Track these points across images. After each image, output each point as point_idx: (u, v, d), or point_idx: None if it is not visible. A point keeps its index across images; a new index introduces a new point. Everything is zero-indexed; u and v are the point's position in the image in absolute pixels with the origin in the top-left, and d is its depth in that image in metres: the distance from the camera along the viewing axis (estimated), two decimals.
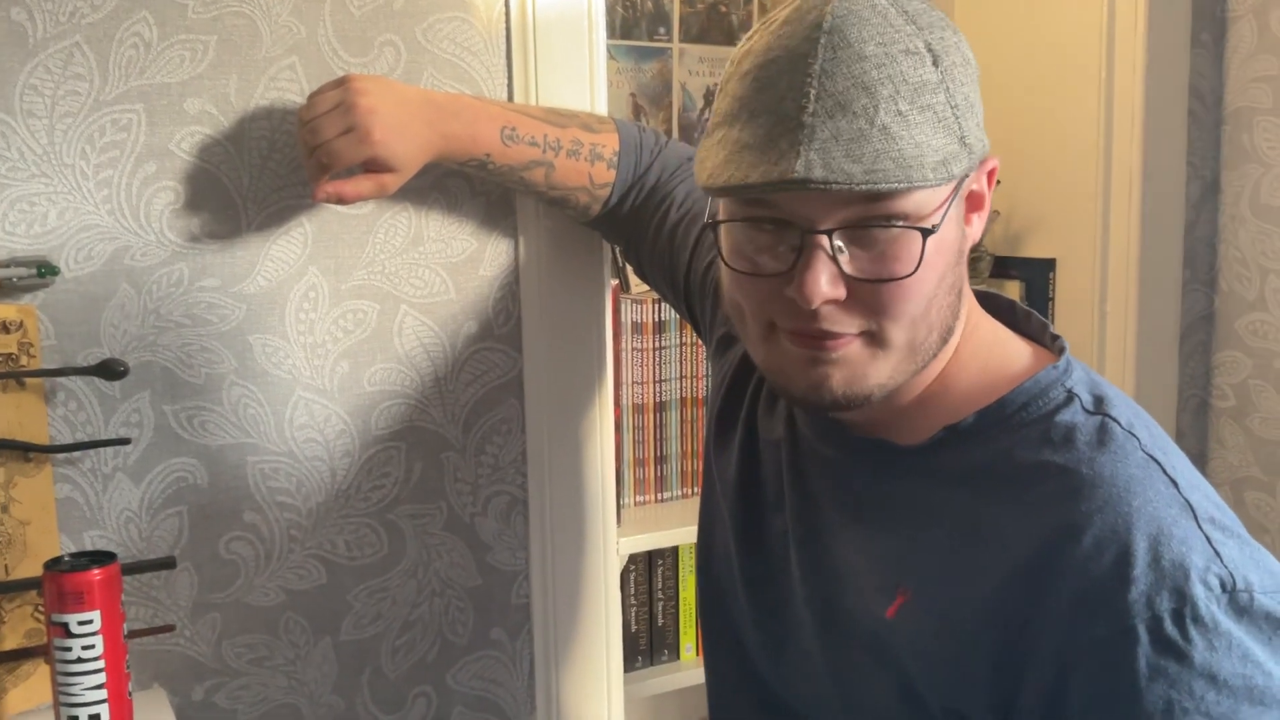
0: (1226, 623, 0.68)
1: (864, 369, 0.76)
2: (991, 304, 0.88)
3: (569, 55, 1.20)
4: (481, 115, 1.07)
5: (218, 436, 1.09)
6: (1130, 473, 0.73)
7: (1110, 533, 0.71)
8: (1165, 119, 2.01)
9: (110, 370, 1.01)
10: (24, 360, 0.99)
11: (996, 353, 0.83)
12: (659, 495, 1.74)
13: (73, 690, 0.89)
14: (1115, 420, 0.76)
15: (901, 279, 0.73)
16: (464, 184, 1.17)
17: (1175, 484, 0.73)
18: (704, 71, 2.15)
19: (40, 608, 1.01)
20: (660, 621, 1.75)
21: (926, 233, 0.72)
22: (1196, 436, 1.90)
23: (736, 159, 0.73)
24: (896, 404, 0.82)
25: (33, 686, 1.01)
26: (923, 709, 0.80)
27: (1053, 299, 2.20)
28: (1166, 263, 2.04)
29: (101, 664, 0.89)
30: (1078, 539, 0.71)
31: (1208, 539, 0.70)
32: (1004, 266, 2.28)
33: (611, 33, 2.00)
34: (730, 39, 2.18)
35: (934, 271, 0.74)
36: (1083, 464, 0.74)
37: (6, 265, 0.97)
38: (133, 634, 0.96)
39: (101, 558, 0.90)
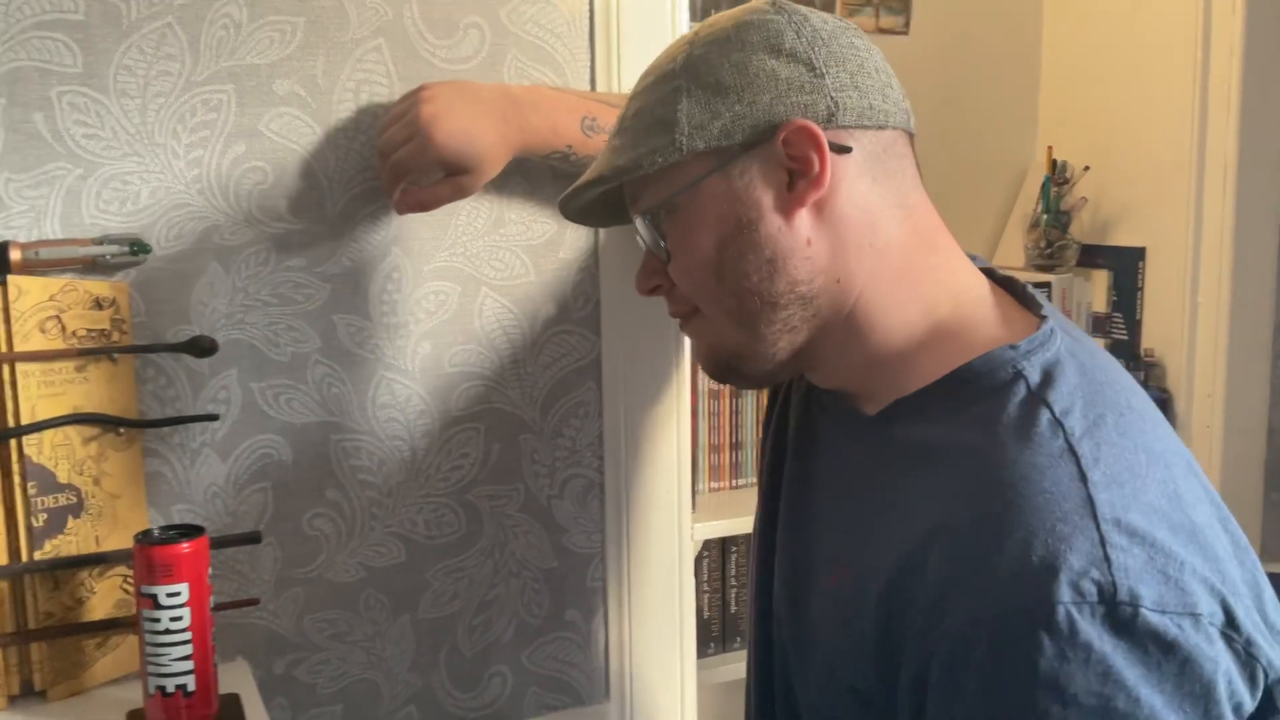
0: (1090, 634, 0.62)
1: (709, 341, 0.86)
2: (1011, 287, 0.88)
3: (652, 36, 1.19)
4: (561, 106, 1.07)
5: (302, 414, 1.11)
6: (1034, 461, 0.69)
7: (988, 520, 0.68)
8: (1262, 105, 1.95)
9: (199, 347, 1.03)
10: (116, 336, 1.01)
11: (971, 328, 0.81)
12: (733, 481, 1.73)
13: (161, 661, 0.91)
14: (1049, 406, 0.73)
15: (667, 260, 0.83)
16: (546, 168, 1.17)
17: (1084, 478, 0.68)
18: None
19: (129, 579, 1.03)
20: (733, 608, 1.75)
21: (643, 216, 0.82)
22: None
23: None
24: (859, 371, 0.84)
25: (120, 656, 1.03)
26: (842, 691, 0.80)
27: (1141, 289, 2.15)
28: (1261, 252, 1.98)
29: (189, 635, 0.91)
30: (961, 523, 0.69)
31: (1101, 540, 0.65)
32: (1091, 255, 2.23)
33: (693, 14, 1.98)
34: None
35: (697, 245, 0.80)
36: (994, 448, 0.71)
37: (100, 243, 0.99)
38: (218, 607, 0.98)
39: (190, 531, 0.92)
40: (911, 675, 0.70)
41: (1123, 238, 2.19)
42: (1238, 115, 1.94)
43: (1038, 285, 2.14)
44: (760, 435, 1.13)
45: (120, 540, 1.02)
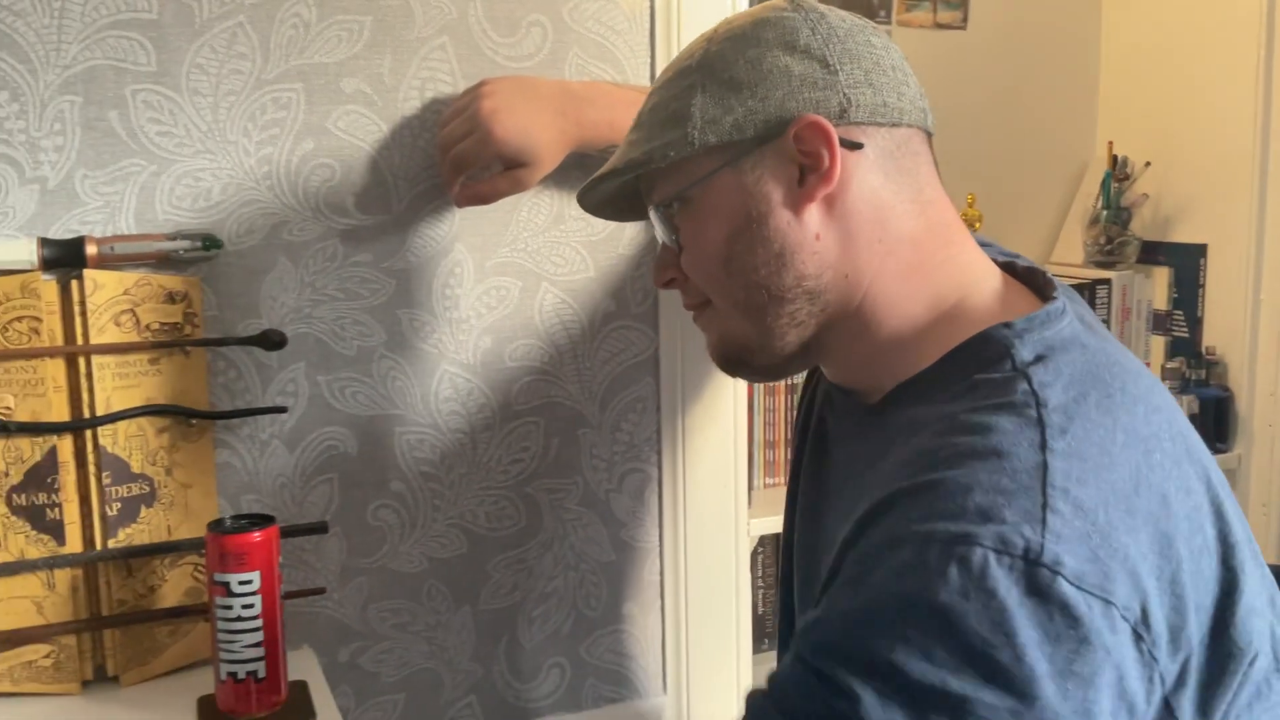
0: (1001, 586, 0.61)
1: (719, 334, 0.87)
2: (1033, 278, 0.87)
3: None
4: (618, 101, 1.09)
5: (367, 407, 1.12)
6: (998, 424, 0.69)
7: (936, 464, 0.67)
8: None
9: (269, 340, 1.05)
10: (188, 330, 1.03)
11: (975, 315, 0.80)
12: (788, 478, 1.73)
13: (232, 647, 0.93)
14: (1028, 379, 0.72)
15: (679, 253, 0.85)
16: (605, 163, 1.18)
17: (1045, 447, 0.67)
18: None
19: (200, 567, 1.05)
20: None
21: (657, 209, 0.84)
22: None
23: None
24: (864, 366, 0.84)
25: (191, 643, 1.05)
26: None
27: (1203, 286, 2.12)
28: None
29: (260, 623, 0.93)
30: (914, 483, 0.68)
31: (1044, 504, 0.64)
32: (1152, 252, 2.20)
33: None
34: (871, 12, 2.14)
35: (707, 238, 0.82)
36: (963, 412, 0.71)
37: (174, 238, 1.02)
38: (286, 595, 1.00)
39: (261, 520, 0.94)
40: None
41: (1184, 234, 2.16)
42: None
43: (1098, 283, 2.12)
44: (793, 435, 1.14)
45: (191, 529, 1.04)
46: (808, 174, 0.79)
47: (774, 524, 1.62)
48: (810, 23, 0.80)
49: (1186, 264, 2.15)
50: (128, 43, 1.00)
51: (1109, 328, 2.11)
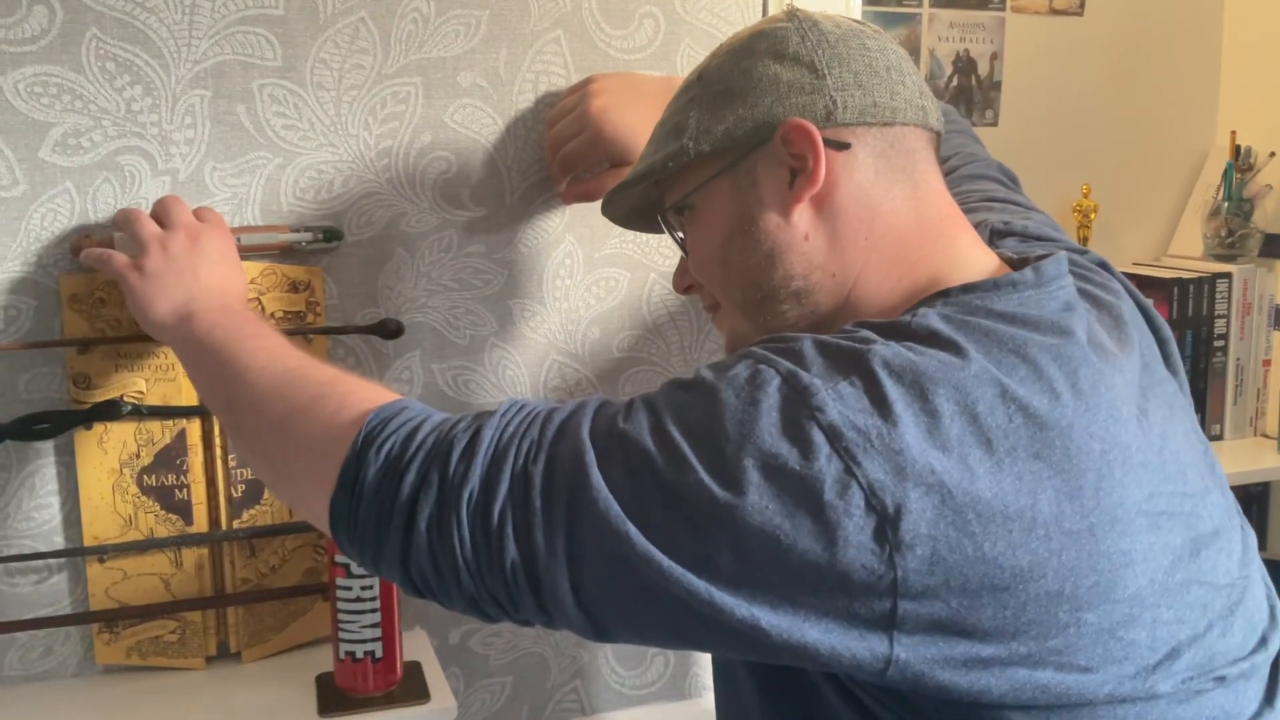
0: (766, 401, 0.66)
1: (730, 330, 0.89)
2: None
3: None
4: None
5: (479, 395, 1.14)
6: (858, 333, 0.72)
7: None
8: None
9: (386, 329, 1.08)
10: (310, 318, 1.06)
11: (928, 292, 0.79)
12: None
13: (351, 627, 0.95)
14: (912, 315, 0.73)
15: (685, 257, 0.88)
16: None
17: (882, 343, 0.70)
18: (954, 37, 2.09)
19: (319, 549, 1.08)
20: None
21: (664, 215, 0.87)
22: None
23: None
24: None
25: (310, 621, 1.09)
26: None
27: None
28: None
29: (378, 604, 0.95)
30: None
31: (845, 377, 0.67)
32: (1274, 245, 2.12)
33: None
34: (982, 2, 2.10)
35: (707, 241, 0.84)
36: None
37: (298, 230, 1.05)
38: None
39: None
40: None
41: None
42: None
43: (1218, 276, 2.05)
44: None
45: None
46: (796, 176, 0.80)
47: None
48: (801, 31, 0.82)
49: None
50: (255, 38, 1.03)
51: (1228, 323, 2.05)
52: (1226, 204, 2.12)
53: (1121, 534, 0.68)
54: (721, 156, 0.82)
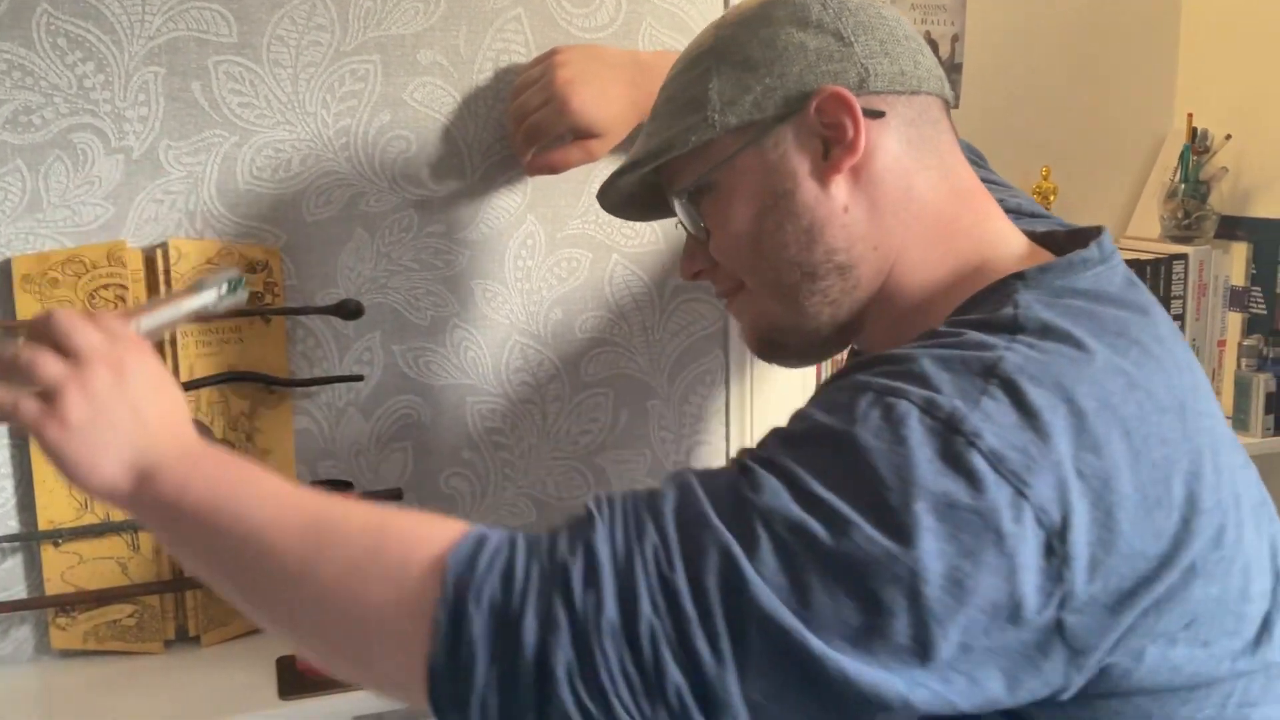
0: (914, 438, 0.61)
1: (753, 317, 0.86)
2: (1081, 238, 0.81)
3: None
4: None
5: (440, 377, 1.14)
6: (966, 332, 0.69)
7: (900, 349, 0.69)
8: None
9: (346, 310, 1.07)
10: (269, 299, 1.05)
11: (986, 273, 0.78)
12: None
13: None
14: (1017, 308, 0.70)
15: (705, 239, 0.83)
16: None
17: (1006, 346, 0.66)
18: (915, 19, 2.09)
19: None
20: None
21: (680, 197, 0.82)
22: None
23: None
24: (885, 331, 0.83)
25: None
26: None
27: None
28: None
29: None
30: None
31: (983, 390, 0.64)
32: (1230, 227, 2.15)
33: None
34: None
35: (734, 220, 0.81)
36: (944, 329, 0.72)
37: (203, 289, 0.82)
38: None
39: (339, 486, 0.96)
40: None
41: (1264, 209, 2.11)
42: None
43: (1174, 258, 2.08)
44: None
45: None
46: (832, 146, 0.78)
47: None
48: None
49: (1266, 239, 2.10)
50: (210, 14, 1.02)
51: (1184, 304, 2.07)
52: (1183, 186, 2.14)
53: (1232, 504, 0.69)
54: (747, 130, 0.79)
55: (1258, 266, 2.13)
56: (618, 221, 1.18)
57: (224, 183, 1.04)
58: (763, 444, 0.68)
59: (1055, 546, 0.61)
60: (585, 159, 1.08)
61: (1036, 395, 0.64)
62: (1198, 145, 2.17)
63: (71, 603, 1.01)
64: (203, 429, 0.92)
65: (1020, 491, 0.61)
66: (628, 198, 0.91)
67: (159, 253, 1.00)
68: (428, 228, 1.11)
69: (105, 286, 0.99)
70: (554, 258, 1.17)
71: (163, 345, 1.01)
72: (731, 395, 1.26)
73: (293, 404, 1.08)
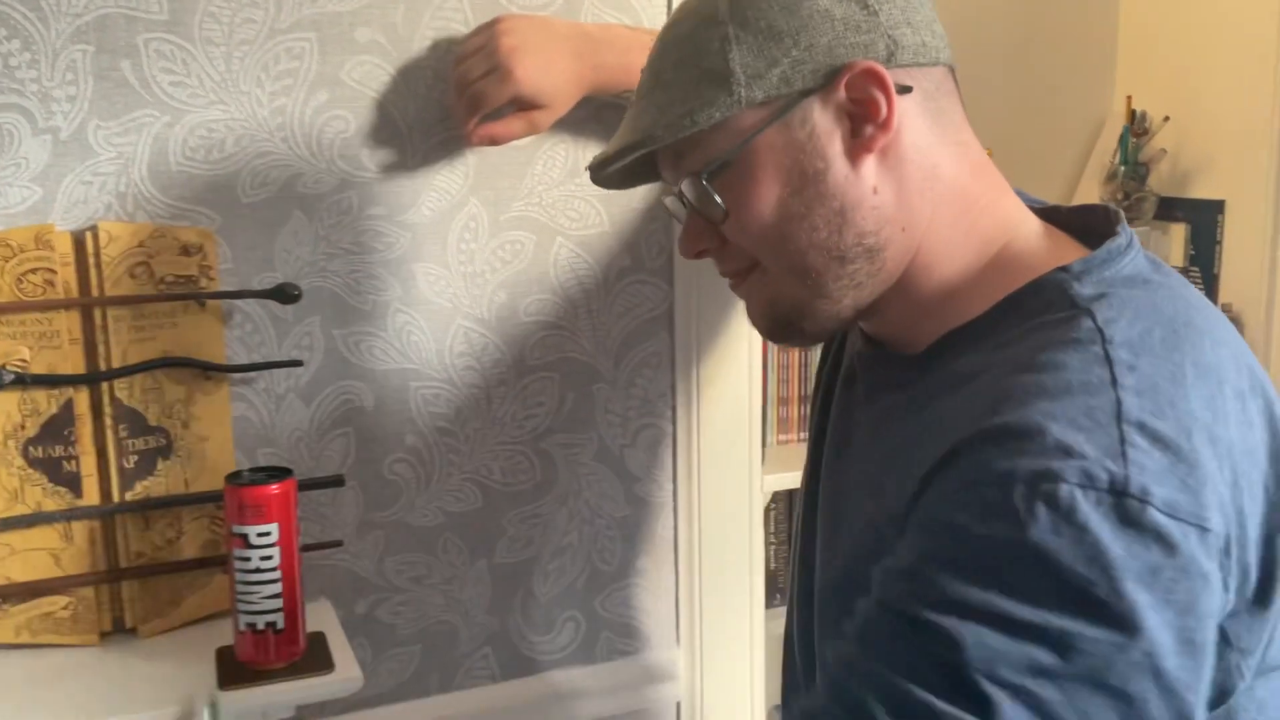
0: (1093, 520, 0.60)
1: (767, 299, 0.82)
2: (1085, 217, 0.83)
3: None
4: (634, 45, 1.07)
5: (383, 361, 1.12)
6: (1066, 361, 0.67)
7: (1008, 406, 0.65)
8: None
9: (284, 294, 1.05)
10: (204, 283, 1.02)
11: (1024, 262, 0.78)
12: (801, 434, 1.73)
13: (251, 599, 0.93)
14: (1093, 316, 0.70)
15: (722, 221, 0.79)
16: (621, 115, 1.16)
17: (1115, 383, 0.65)
18: None
19: (217, 520, 1.05)
20: None
21: (702, 176, 0.77)
22: None
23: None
24: (911, 318, 0.81)
25: (209, 595, 1.06)
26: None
27: (1220, 242, 2.11)
28: None
29: (278, 574, 0.93)
30: (982, 429, 0.66)
31: (1121, 439, 0.63)
32: (1169, 208, 2.18)
33: None
34: None
35: (759, 202, 0.76)
36: (1029, 354, 0.69)
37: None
38: (304, 548, 1.00)
39: (279, 473, 0.94)
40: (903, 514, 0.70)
41: (1202, 190, 2.14)
42: None
43: None
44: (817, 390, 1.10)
45: (208, 482, 1.04)
46: (862, 124, 0.75)
47: (788, 480, 1.62)
48: None
49: (1204, 220, 2.13)
50: None
51: None
52: (1123, 168, 2.17)
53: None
54: (770, 104, 0.75)
55: (1196, 247, 2.17)
56: (562, 204, 1.17)
57: (156, 164, 1.02)
58: (913, 580, 0.65)
59: (1224, 562, 0.64)
60: (529, 131, 1.06)
61: (1165, 426, 0.64)
62: (1137, 127, 2.20)
63: (3, 595, 0.99)
64: None
65: (1202, 529, 0.62)
66: (619, 173, 0.86)
67: (89, 236, 0.98)
68: (368, 210, 1.09)
69: (33, 271, 0.96)
70: (497, 240, 1.15)
71: (94, 330, 0.98)
72: (678, 378, 1.25)
73: (230, 390, 1.06)
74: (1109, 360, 0.67)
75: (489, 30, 1.04)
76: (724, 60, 0.75)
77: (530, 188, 1.15)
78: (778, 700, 1.91)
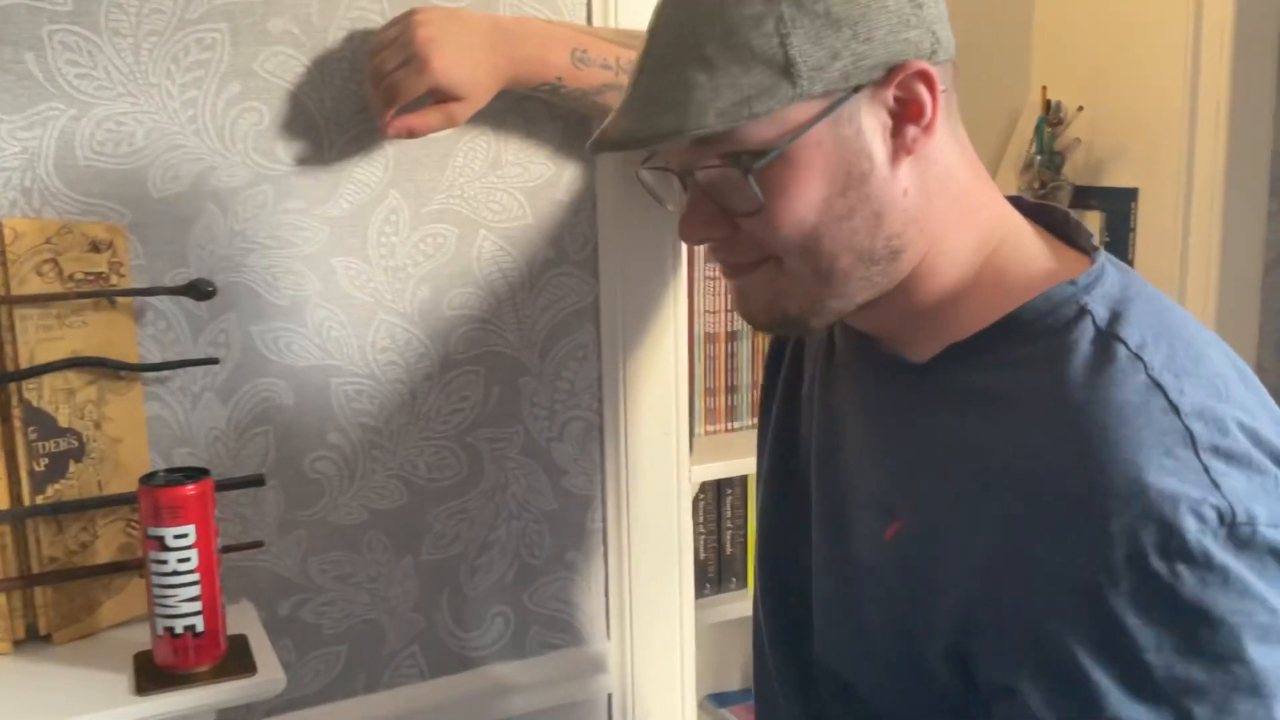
0: (1222, 556, 0.63)
1: (775, 293, 0.78)
2: (1047, 216, 0.83)
3: None
4: (551, 38, 1.06)
5: (302, 358, 1.10)
6: (1124, 398, 0.67)
7: (1090, 463, 0.66)
8: (1256, 46, 1.94)
9: (198, 290, 1.02)
10: (114, 279, 1.00)
11: (1020, 266, 0.78)
12: (729, 425, 1.74)
13: (169, 602, 0.91)
14: (1123, 341, 0.70)
15: (752, 213, 0.74)
16: (542, 108, 1.16)
17: (1177, 410, 0.67)
18: None
19: (133, 523, 1.03)
20: (729, 550, 1.76)
21: (747, 168, 0.72)
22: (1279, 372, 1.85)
23: (609, 121, 0.77)
24: (907, 317, 0.80)
25: (126, 600, 1.03)
26: (914, 645, 0.76)
27: (1134, 230, 2.15)
28: (1252, 193, 1.98)
29: (197, 577, 0.91)
30: (1060, 471, 0.67)
31: (1205, 469, 0.65)
32: (1084, 196, 2.23)
33: None
34: None
35: (800, 200, 0.73)
36: (1076, 389, 0.69)
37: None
38: (223, 549, 0.98)
39: (195, 473, 0.92)
40: (1013, 639, 0.68)
41: (1115, 179, 2.19)
42: (1230, 56, 1.93)
43: None
44: (761, 378, 1.09)
45: (123, 484, 1.02)
46: (903, 123, 0.73)
47: (716, 470, 1.63)
48: None
49: (1118, 208, 2.18)
50: None
51: None
52: (1039, 158, 2.21)
53: None
54: (823, 98, 0.71)
55: (1110, 235, 2.21)
56: (484, 196, 1.16)
57: (62, 158, 0.99)
58: (1106, 698, 0.64)
59: None
60: (447, 123, 1.05)
61: (1231, 444, 0.67)
62: (1052, 117, 2.24)
63: None
64: None
65: None
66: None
67: None
68: (284, 203, 1.07)
69: None
70: (419, 233, 1.14)
71: (0, 330, 0.95)
72: (604, 370, 1.25)
73: (144, 390, 1.04)
74: (1160, 388, 0.68)
75: (405, 21, 1.03)
76: (781, 46, 0.70)
77: (452, 180, 1.14)
78: (709, 690, 1.93)
